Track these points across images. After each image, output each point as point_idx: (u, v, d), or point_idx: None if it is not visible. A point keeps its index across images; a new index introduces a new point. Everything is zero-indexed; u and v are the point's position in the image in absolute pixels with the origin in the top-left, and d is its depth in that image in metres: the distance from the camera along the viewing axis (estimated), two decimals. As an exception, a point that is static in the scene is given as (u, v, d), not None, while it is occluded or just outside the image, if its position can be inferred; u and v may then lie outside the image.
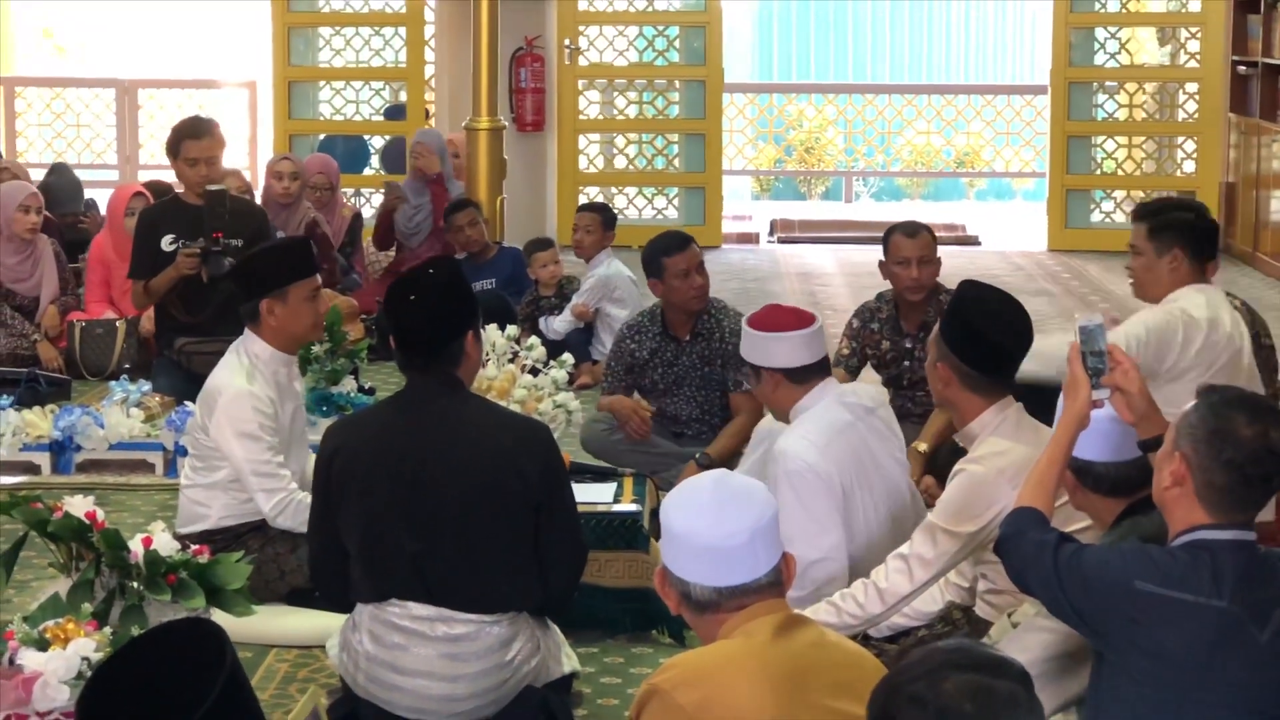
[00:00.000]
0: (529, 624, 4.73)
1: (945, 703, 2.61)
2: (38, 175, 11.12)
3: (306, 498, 5.61)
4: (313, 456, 5.34)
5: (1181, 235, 5.91)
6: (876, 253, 7.18)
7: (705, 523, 3.28)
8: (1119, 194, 14.36)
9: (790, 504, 5.01)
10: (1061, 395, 4.03)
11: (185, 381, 7.83)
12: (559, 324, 9.18)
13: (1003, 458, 4.70)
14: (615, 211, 10.00)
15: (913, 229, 7.07)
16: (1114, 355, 3.97)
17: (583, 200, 13.01)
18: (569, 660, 4.92)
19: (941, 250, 7.19)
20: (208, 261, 8.17)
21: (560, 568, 4.71)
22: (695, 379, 7.05)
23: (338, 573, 4.74)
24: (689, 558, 3.29)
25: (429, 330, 4.71)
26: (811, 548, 5.04)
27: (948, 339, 4.82)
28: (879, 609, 4.73)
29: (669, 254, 6.99)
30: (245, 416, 5.65)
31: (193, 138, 8.36)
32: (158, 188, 9.99)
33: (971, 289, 4.96)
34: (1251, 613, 3.43)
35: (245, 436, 5.65)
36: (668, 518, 3.32)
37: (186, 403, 7.03)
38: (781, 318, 5.40)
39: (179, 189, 8.64)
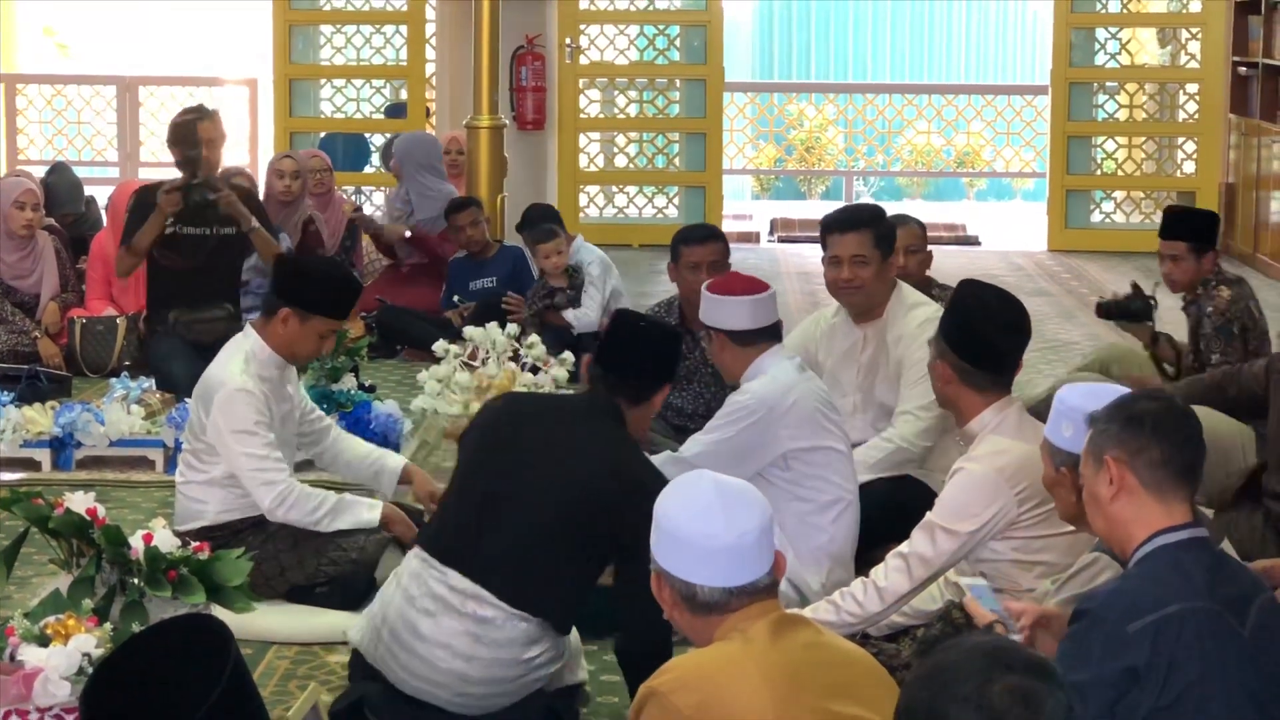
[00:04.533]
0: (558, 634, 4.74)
1: (997, 705, 2.57)
2: (38, 173, 11.09)
3: (309, 490, 5.70)
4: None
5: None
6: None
7: (719, 525, 3.27)
8: (1119, 194, 14.37)
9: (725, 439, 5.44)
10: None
11: (185, 350, 8.12)
12: (594, 312, 9.20)
13: (1002, 456, 4.70)
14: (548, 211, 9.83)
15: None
16: (1011, 609, 3.92)
17: (583, 199, 12.92)
18: (581, 670, 4.95)
19: (942, 250, 7.14)
20: (191, 193, 8.26)
21: (636, 606, 4.38)
22: (705, 375, 7.04)
23: None
24: (697, 560, 3.27)
25: (646, 368, 4.84)
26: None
27: (946, 337, 4.84)
28: (878, 607, 4.73)
29: (687, 243, 7.01)
30: (240, 414, 5.63)
31: (207, 120, 8.48)
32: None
33: (970, 287, 4.99)
34: (1231, 609, 3.38)
35: (241, 433, 5.64)
36: (672, 521, 3.30)
37: (186, 400, 7.04)
38: (735, 284, 5.62)
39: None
